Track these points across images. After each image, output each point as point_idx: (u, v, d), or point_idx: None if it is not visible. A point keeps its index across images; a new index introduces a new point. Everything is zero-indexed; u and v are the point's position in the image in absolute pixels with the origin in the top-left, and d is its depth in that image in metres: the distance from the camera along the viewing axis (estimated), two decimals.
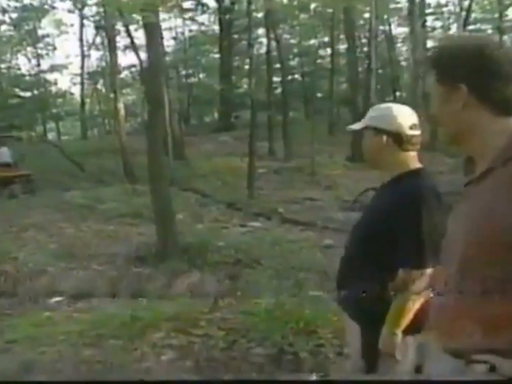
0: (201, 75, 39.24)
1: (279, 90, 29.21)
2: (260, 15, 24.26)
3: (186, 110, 33.28)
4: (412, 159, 2.83)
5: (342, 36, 30.05)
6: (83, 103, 37.63)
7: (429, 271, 2.64)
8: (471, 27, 32.49)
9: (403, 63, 41.03)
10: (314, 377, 4.48)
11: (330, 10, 25.78)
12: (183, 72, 34.77)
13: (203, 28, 36.35)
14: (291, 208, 13.52)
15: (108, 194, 14.61)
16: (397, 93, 38.00)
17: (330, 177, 18.44)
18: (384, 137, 2.80)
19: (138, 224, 11.22)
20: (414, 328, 2.71)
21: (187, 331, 5.39)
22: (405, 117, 2.82)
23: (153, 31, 9.15)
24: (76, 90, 40.55)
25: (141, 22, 17.82)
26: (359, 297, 2.77)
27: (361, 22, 30.35)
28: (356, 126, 2.97)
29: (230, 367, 4.75)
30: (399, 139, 2.79)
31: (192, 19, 32.88)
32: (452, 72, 1.83)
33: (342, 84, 35.48)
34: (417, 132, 2.82)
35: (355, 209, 13.20)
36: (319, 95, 37.07)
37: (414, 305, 2.68)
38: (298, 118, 33.08)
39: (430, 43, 31.77)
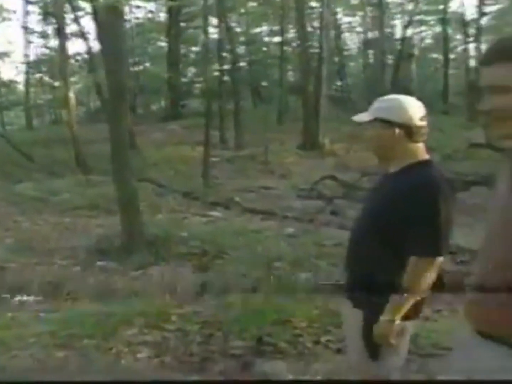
0: (147, 64, 38.78)
1: (225, 79, 29.11)
2: (209, 2, 24.06)
3: (133, 99, 32.82)
4: (421, 150, 2.85)
5: (291, 25, 30.27)
6: (27, 92, 36.75)
7: (440, 259, 2.68)
8: (417, 17, 33.06)
9: (351, 52, 41.60)
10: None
11: None
12: (130, 60, 34.25)
13: (150, 15, 35.89)
14: (247, 197, 13.49)
15: (61, 186, 14.28)
16: (344, 82, 38.38)
17: (283, 165, 18.48)
18: (396, 129, 2.80)
19: (96, 216, 11.00)
20: (411, 314, 2.76)
21: (160, 326, 5.29)
22: (414, 108, 2.83)
23: (115, 17, 8.90)
24: (20, 79, 39.59)
25: (88, 10, 17.42)
26: (368, 283, 2.76)
27: (311, 11, 30.47)
28: (364, 117, 2.93)
29: (209, 361, 4.69)
30: (409, 131, 2.80)
31: (138, 6, 32.41)
32: None
33: (289, 72, 35.65)
34: (425, 123, 2.83)
35: (312, 197, 13.31)
36: (266, 83, 37.17)
37: (420, 295, 2.70)
38: (246, 106, 33.00)
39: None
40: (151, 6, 33.61)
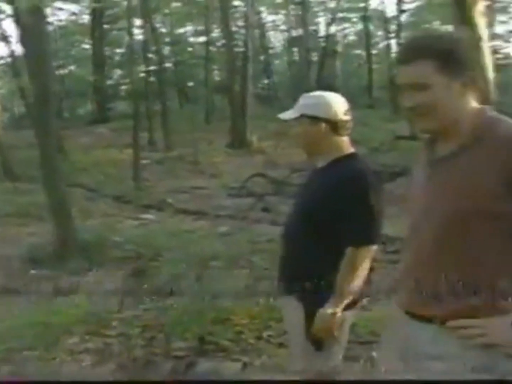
0: (72, 67, 38.04)
1: (151, 80, 28.85)
2: (132, 3, 23.81)
3: (59, 103, 32.16)
4: (346, 144, 2.97)
5: (215, 25, 30.25)
6: None
7: (374, 247, 2.81)
8: (339, 15, 33.56)
9: (276, 50, 41.87)
10: None
11: None
12: (54, 64, 33.49)
13: (73, 17, 35.17)
14: (180, 198, 13.47)
15: None
16: (269, 80, 38.60)
17: (213, 165, 18.48)
18: (323, 125, 2.90)
19: (27, 224, 10.76)
20: (351, 303, 2.87)
21: (101, 332, 5.27)
22: (339, 104, 2.94)
23: (38, 19, 8.74)
24: None
25: (9, 12, 16.96)
26: (305, 277, 2.82)
27: (235, 9, 30.51)
28: (291, 114, 3.01)
29: (153, 364, 4.70)
30: (335, 125, 2.90)
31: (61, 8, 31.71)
32: (460, 62, 1.96)
33: (215, 72, 35.64)
34: (349, 117, 2.95)
35: (243, 195, 13.40)
36: (192, 84, 37.06)
37: (359, 283, 2.80)
38: (173, 107, 32.81)
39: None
40: (74, 8, 32.97)
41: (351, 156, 2.95)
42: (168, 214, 11.42)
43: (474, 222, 1.89)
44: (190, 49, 36.83)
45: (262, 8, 36.75)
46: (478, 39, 6.05)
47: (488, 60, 6.30)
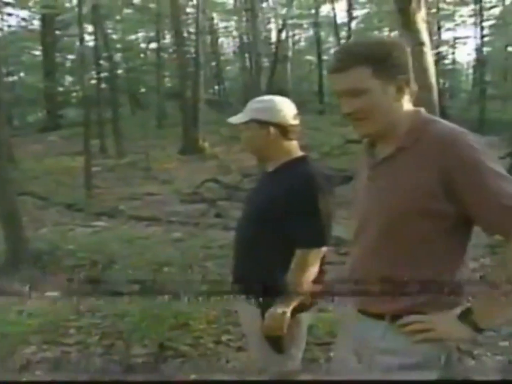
0: (22, 73, 37.40)
1: (103, 86, 28.57)
2: (84, 10, 23.56)
3: (8, 110, 31.57)
4: (295, 147, 3.02)
5: (166, 31, 30.16)
6: None
7: (324, 249, 2.86)
8: (290, 21, 33.79)
9: (228, 56, 41.93)
10: None
11: (153, 5, 25.68)
12: (4, 70, 32.83)
13: (23, 23, 34.57)
14: (132, 204, 13.37)
15: None
16: (221, 85, 38.65)
17: (165, 171, 18.40)
18: (272, 129, 2.93)
19: None
20: (305, 305, 2.93)
21: (58, 341, 5.22)
22: (287, 108, 2.98)
23: None
24: None
25: None
26: (260, 280, 2.86)
27: (184, 17, 30.45)
28: (240, 119, 3.03)
29: (111, 371, 4.68)
30: (284, 129, 2.95)
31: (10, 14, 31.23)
32: (392, 67, 2.02)
33: (166, 78, 35.52)
34: (298, 121, 3.00)
35: (196, 201, 13.38)
36: (144, 90, 36.85)
37: (308, 283, 2.85)
38: (125, 113, 32.55)
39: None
40: (24, 13, 32.46)
41: (300, 159, 2.99)
42: (120, 221, 11.32)
43: (414, 222, 1.98)
44: (142, 55, 36.64)
45: (214, 14, 36.83)
46: (421, 44, 6.19)
47: (431, 65, 6.42)
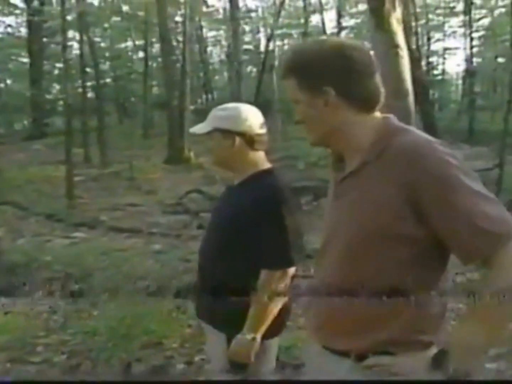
0: (9, 81, 37.14)
1: (90, 95, 28.39)
2: (70, 17, 23.38)
3: None
4: (262, 159, 2.83)
5: (154, 40, 30.02)
6: None
7: (291, 270, 2.64)
8: (278, 31, 33.76)
9: (215, 66, 41.88)
10: None
11: (141, 13, 25.56)
12: None
13: (10, 30, 34.29)
14: (114, 215, 13.15)
15: None
16: (209, 95, 38.53)
17: (149, 181, 18.16)
18: (237, 139, 2.74)
19: None
20: (274, 330, 2.71)
21: (24, 359, 5.03)
22: (253, 116, 2.79)
23: None
24: None
25: None
26: (225, 304, 2.66)
27: (172, 25, 30.36)
28: (203, 129, 2.84)
29: None
30: (250, 139, 2.75)
31: None
32: (316, 77, 1.84)
33: (154, 88, 35.40)
34: (265, 130, 2.81)
35: (179, 212, 13.19)
36: (132, 99, 36.69)
37: (276, 307, 2.64)
38: (112, 123, 32.34)
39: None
40: (11, 20, 32.27)
41: (267, 171, 2.80)
42: (100, 232, 11.10)
43: (379, 247, 1.76)
44: (129, 64, 36.48)
45: (203, 23, 36.81)
46: (396, 46, 5.84)
47: (407, 69, 6.04)
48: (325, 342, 1.95)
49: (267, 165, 2.83)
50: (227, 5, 21.94)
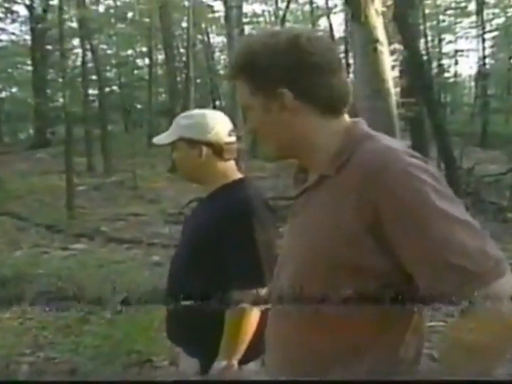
0: (13, 89, 37.14)
1: (96, 103, 28.30)
2: (74, 24, 23.31)
3: None
4: (233, 169, 2.62)
5: (160, 46, 29.89)
6: None
7: (264, 290, 2.36)
8: None
9: (222, 72, 41.64)
10: None
11: (147, 20, 25.47)
12: None
13: (13, 38, 34.24)
14: (115, 225, 12.98)
15: None
16: (217, 102, 38.34)
17: (153, 190, 18.00)
18: (204, 149, 2.53)
19: None
20: (251, 353, 2.46)
21: (6, 381, 4.82)
22: (221, 124, 2.57)
23: None
24: None
25: None
26: (196, 326, 2.47)
27: (179, 31, 30.29)
28: (166, 139, 2.64)
29: None
30: (219, 149, 2.54)
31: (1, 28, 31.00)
32: (267, 78, 1.54)
33: (161, 95, 35.30)
34: (234, 138, 2.58)
35: (181, 222, 12.94)
36: (138, 106, 36.59)
37: (250, 329, 2.40)
38: (117, 131, 32.27)
39: None
40: (15, 27, 32.31)
41: (238, 182, 2.59)
42: (100, 243, 10.90)
43: (334, 279, 1.46)
44: (136, 71, 36.39)
45: (210, 29, 36.72)
46: (375, 41, 5.39)
47: (388, 67, 5.53)
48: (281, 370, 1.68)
49: (237, 175, 2.62)
50: (234, 10, 21.56)
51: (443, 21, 34.81)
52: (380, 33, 5.34)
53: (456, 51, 38.70)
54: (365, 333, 1.48)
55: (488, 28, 32.63)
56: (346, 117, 1.61)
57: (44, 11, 29.75)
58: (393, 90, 5.49)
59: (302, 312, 1.52)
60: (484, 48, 31.87)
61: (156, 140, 2.69)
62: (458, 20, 34.75)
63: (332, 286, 1.45)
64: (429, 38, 32.22)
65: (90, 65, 26.22)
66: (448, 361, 1.37)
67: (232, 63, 1.63)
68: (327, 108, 1.57)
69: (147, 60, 33.88)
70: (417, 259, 1.35)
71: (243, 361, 2.44)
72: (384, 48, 5.35)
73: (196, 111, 2.69)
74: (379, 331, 1.48)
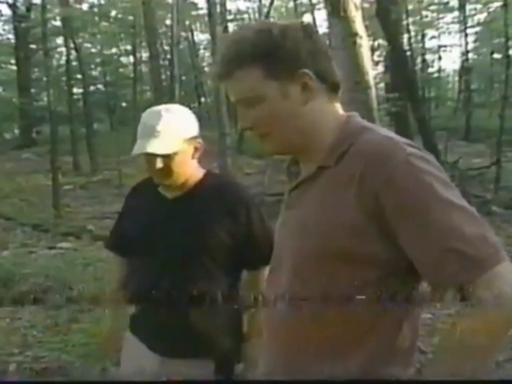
0: None
1: (81, 102, 28.16)
2: (58, 23, 23.14)
3: None
4: (197, 165, 2.56)
5: (144, 44, 29.80)
6: None
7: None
8: None
9: (206, 69, 41.57)
10: None
11: (130, 17, 25.38)
12: None
13: None
14: (102, 224, 12.84)
15: None
16: (202, 99, 38.28)
17: None
18: (198, 144, 2.48)
19: None
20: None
21: None
22: (190, 120, 2.47)
23: None
24: None
25: None
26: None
27: (163, 29, 30.19)
28: (165, 148, 2.36)
29: None
30: (196, 143, 2.48)
31: None
32: (292, 60, 1.55)
33: (146, 93, 35.14)
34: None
35: None
36: (124, 104, 36.48)
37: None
38: (103, 129, 32.12)
39: None
40: None
41: (212, 174, 2.60)
42: (86, 242, 10.87)
43: (335, 269, 1.49)
44: (121, 69, 36.23)
45: (194, 26, 36.64)
46: (354, 35, 5.37)
47: (367, 60, 5.52)
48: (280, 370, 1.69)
49: (202, 169, 2.58)
50: (217, 7, 21.44)
51: (426, 16, 34.89)
52: (359, 27, 5.33)
53: (439, 46, 39.00)
54: (361, 325, 1.51)
55: (470, 23, 32.88)
56: (340, 107, 1.67)
57: (27, 9, 29.51)
58: (373, 83, 5.49)
59: (300, 307, 1.55)
60: (467, 43, 32.05)
61: (153, 150, 2.34)
62: (441, 15, 34.89)
63: (333, 276, 1.49)
64: (412, 33, 32.24)
65: (74, 63, 26.25)
66: (448, 361, 1.40)
67: (239, 53, 1.57)
68: (332, 91, 1.63)
69: (131, 58, 33.77)
70: (419, 245, 1.40)
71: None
72: (364, 42, 5.35)
73: (169, 106, 2.49)
74: (375, 322, 1.51)
